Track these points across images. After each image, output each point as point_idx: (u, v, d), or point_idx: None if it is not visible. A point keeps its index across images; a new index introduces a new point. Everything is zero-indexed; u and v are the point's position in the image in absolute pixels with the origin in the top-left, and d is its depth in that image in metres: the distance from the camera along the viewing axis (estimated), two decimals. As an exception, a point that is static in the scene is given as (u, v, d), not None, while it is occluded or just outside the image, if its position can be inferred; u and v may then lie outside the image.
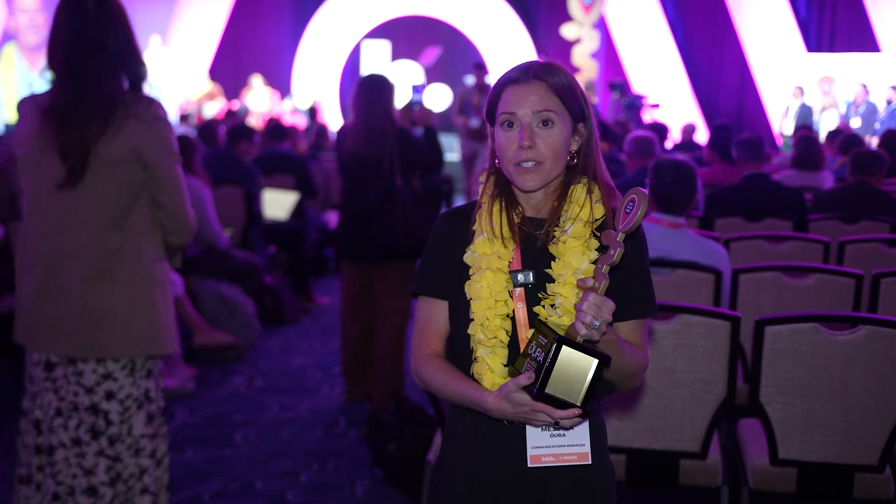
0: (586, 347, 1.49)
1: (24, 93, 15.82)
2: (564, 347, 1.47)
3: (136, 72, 2.57)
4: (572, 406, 1.50)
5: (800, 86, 13.26)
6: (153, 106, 2.56)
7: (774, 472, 2.66)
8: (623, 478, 2.71)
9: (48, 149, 2.50)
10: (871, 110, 12.27)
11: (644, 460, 2.69)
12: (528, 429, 1.65)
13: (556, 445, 1.65)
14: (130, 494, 2.64)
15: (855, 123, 12.08)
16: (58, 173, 2.50)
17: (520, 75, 1.66)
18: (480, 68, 10.77)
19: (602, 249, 1.65)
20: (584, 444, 1.65)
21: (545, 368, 1.48)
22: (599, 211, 1.67)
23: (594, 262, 1.63)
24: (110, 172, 2.51)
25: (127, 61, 2.55)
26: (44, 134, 2.50)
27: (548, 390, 1.49)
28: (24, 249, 2.61)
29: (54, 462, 2.58)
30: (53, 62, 2.54)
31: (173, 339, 2.68)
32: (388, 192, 4.28)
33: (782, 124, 13.28)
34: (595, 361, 1.48)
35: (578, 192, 1.68)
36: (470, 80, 11.12)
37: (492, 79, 10.68)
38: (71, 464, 2.58)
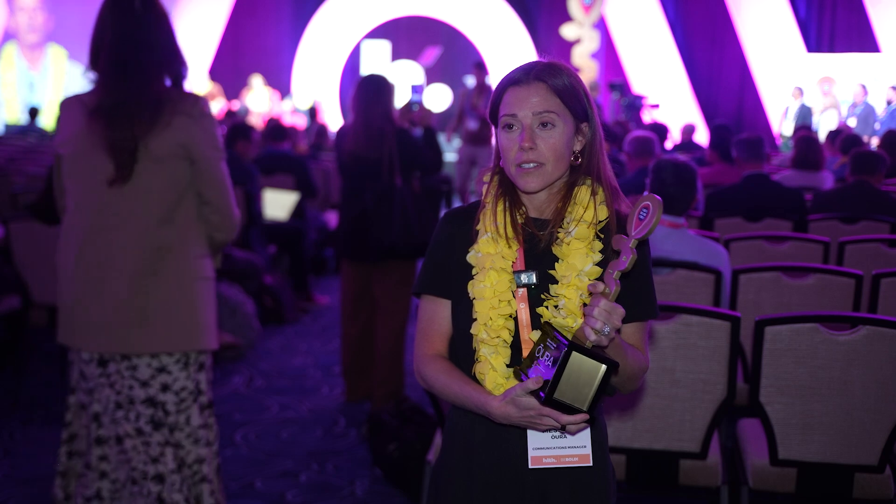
0: (595, 353, 1.49)
1: (24, 93, 15.84)
2: (574, 353, 1.47)
3: (179, 70, 2.60)
4: (579, 411, 1.50)
5: (799, 86, 13.27)
6: (200, 102, 2.60)
7: (774, 472, 2.66)
8: (623, 478, 2.71)
9: (97, 147, 2.52)
10: (869, 111, 12.27)
11: (644, 460, 2.69)
12: (530, 430, 1.65)
13: (558, 447, 1.65)
14: (196, 479, 2.68)
15: (851, 124, 12.08)
16: (107, 170, 2.52)
17: (521, 76, 1.65)
18: (481, 68, 10.35)
19: (606, 251, 1.64)
20: (585, 446, 1.65)
21: (554, 375, 1.47)
22: (603, 213, 1.66)
23: (597, 264, 1.63)
24: (160, 168, 2.54)
25: (171, 60, 2.58)
26: (92, 132, 2.52)
27: (556, 396, 1.48)
28: (68, 249, 2.61)
29: (125, 450, 2.62)
30: (99, 62, 2.55)
31: (214, 335, 2.70)
32: (387, 193, 4.28)
33: (782, 125, 13.28)
34: (603, 367, 1.48)
35: (582, 193, 1.68)
36: (470, 80, 10.65)
37: (492, 78, 10.65)
38: (139, 451, 2.62)
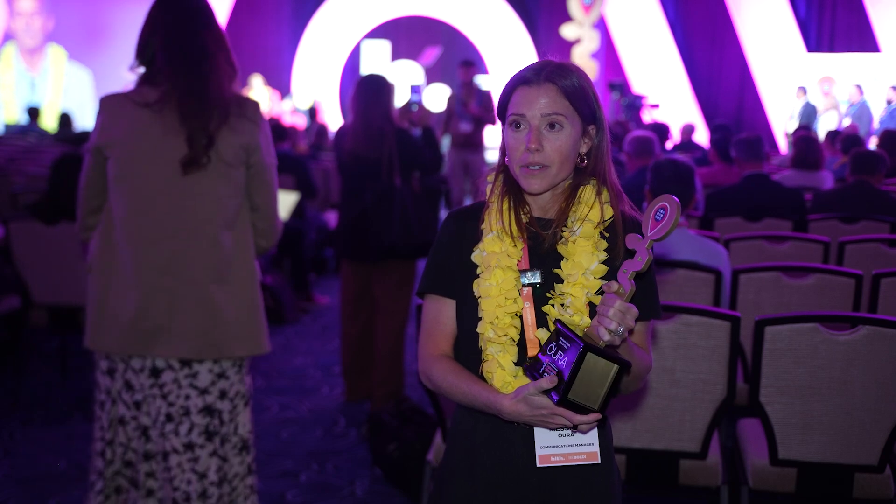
0: (608, 353, 1.49)
1: (24, 93, 15.75)
2: (589, 354, 1.47)
3: (232, 72, 2.56)
4: (591, 410, 1.50)
5: (802, 86, 13.27)
6: (259, 107, 2.58)
7: (774, 472, 2.66)
8: (623, 478, 2.71)
9: (162, 148, 2.44)
10: (863, 111, 12.27)
11: (644, 460, 2.69)
12: (537, 429, 1.64)
13: (565, 445, 1.64)
14: (234, 496, 2.64)
15: (846, 123, 12.09)
16: (174, 174, 2.45)
17: (531, 76, 1.65)
18: (469, 66, 8.96)
19: (611, 250, 1.64)
20: (592, 444, 1.65)
21: (570, 375, 1.47)
22: (608, 212, 1.67)
23: (603, 263, 1.63)
24: (227, 172, 2.50)
25: (226, 60, 2.54)
26: (156, 127, 2.44)
27: (570, 396, 1.48)
28: (121, 253, 2.50)
29: (169, 468, 2.56)
30: (155, 60, 2.48)
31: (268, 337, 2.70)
32: (387, 192, 4.28)
33: (787, 125, 13.29)
34: (615, 367, 1.48)
35: (587, 192, 1.68)
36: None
37: (482, 77, 10.51)
38: (185, 469, 2.56)
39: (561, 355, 1.51)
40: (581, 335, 1.53)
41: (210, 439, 2.57)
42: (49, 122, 13.51)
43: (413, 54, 15.79)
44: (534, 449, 1.65)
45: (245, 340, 2.58)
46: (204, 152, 2.45)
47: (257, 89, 14.37)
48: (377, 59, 16.28)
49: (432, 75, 15.90)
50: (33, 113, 12.38)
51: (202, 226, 2.49)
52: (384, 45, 16.59)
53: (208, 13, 2.54)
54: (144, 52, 2.51)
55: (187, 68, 2.46)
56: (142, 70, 2.52)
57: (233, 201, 2.54)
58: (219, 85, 2.49)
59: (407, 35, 16.47)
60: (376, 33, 16.66)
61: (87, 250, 2.63)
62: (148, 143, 2.46)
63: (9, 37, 15.60)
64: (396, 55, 16.51)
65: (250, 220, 2.63)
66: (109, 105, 2.51)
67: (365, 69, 15.41)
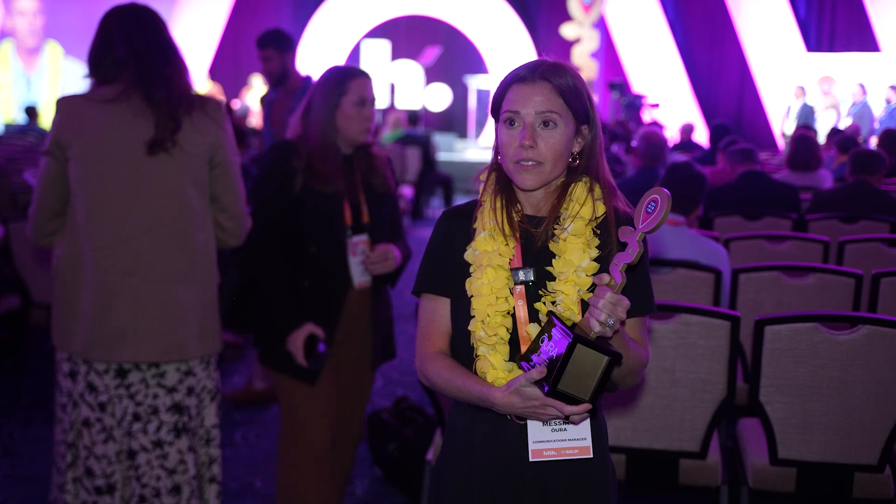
0: (599, 345, 1.49)
1: (21, 93, 15.65)
2: (579, 346, 1.47)
3: (187, 74, 2.59)
4: (582, 402, 1.50)
5: (801, 86, 13.27)
6: (221, 106, 2.59)
7: (774, 472, 2.66)
8: (623, 478, 2.71)
9: (126, 144, 2.44)
10: (864, 111, 12.27)
11: (644, 460, 2.69)
12: (530, 424, 1.66)
13: (558, 440, 1.66)
14: (201, 483, 2.66)
15: (845, 123, 12.09)
16: (138, 169, 2.45)
17: (526, 74, 1.66)
18: (275, 43, 4.78)
19: (603, 247, 1.65)
20: (585, 438, 1.66)
21: (559, 366, 1.48)
22: (600, 209, 1.67)
23: (595, 260, 1.64)
24: (192, 170, 2.50)
25: (182, 63, 2.56)
26: (123, 124, 2.44)
27: (560, 387, 1.49)
28: (86, 255, 2.48)
29: (137, 466, 2.55)
30: (114, 62, 2.48)
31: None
32: None
33: (784, 124, 13.29)
34: (606, 359, 1.49)
35: (579, 190, 1.69)
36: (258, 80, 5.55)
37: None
38: (153, 466, 2.56)
39: (552, 346, 1.52)
40: (573, 326, 1.54)
41: (179, 436, 2.58)
42: (46, 120, 13.49)
43: (413, 54, 15.80)
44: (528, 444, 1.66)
45: (206, 340, 2.59)
46: (170, 136, 2.45)
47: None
48: (377, 59, 16.28)
49: (432, 75, 15.91)
50: (31, 112, 12.38)
51: (171, 225, 2.50)
52: (384, 45, 16.58)
53: (159, 18, 2.56)
54: (101, 64, 2.49)
55: (152, 60, 2.48)
56: (93, 80, 2.52)
57: (199, 201, 2.54)
58: (182, 78, 2.52)
59: (407, 35, 16.48)
60: (376, 33, 16.66)
61: (41, 254, 2.61)
62: (110, 139, 2.45)
63: (5, 34, 15.58)
64: (396, 55, 16.51)
65: (216, 219, 2.63)
66: (67, 105, 2.48)
67: (365, 69, 15.39)
